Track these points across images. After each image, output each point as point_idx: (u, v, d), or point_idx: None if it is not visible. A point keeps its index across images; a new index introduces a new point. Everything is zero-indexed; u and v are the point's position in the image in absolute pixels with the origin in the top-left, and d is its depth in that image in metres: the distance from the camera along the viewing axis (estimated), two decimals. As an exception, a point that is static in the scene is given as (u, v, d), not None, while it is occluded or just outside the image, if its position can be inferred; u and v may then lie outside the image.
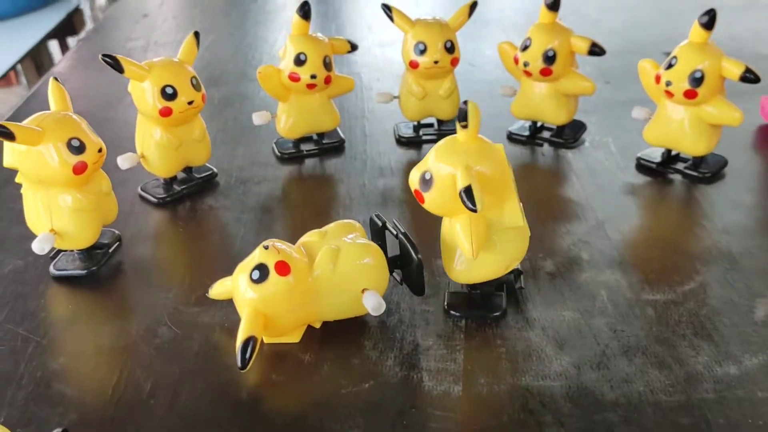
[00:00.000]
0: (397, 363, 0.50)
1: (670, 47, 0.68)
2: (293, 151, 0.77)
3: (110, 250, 0.61)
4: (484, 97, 0.90)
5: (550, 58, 0.71)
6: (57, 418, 0.46)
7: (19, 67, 1.92)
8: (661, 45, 1.01)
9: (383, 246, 0.53)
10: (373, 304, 0.49)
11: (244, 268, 0.49)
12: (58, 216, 0.57)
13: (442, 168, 0.47)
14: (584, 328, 0.52)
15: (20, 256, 0.62)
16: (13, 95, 2.55)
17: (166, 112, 0.64)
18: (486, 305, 0.54)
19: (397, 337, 0.52)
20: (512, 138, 0.80)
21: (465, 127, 0.47)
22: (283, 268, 0.47)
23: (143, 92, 0.64)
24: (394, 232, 0.52)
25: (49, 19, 1.93)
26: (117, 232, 0.63)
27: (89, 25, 2.15)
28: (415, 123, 0.80)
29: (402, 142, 0.80)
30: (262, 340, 0.48)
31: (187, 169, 0.71)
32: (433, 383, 0.48)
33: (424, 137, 0.80)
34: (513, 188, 0.50)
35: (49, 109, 0.57)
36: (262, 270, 0.47)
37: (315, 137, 0.78)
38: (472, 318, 0.53)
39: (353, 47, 0.74)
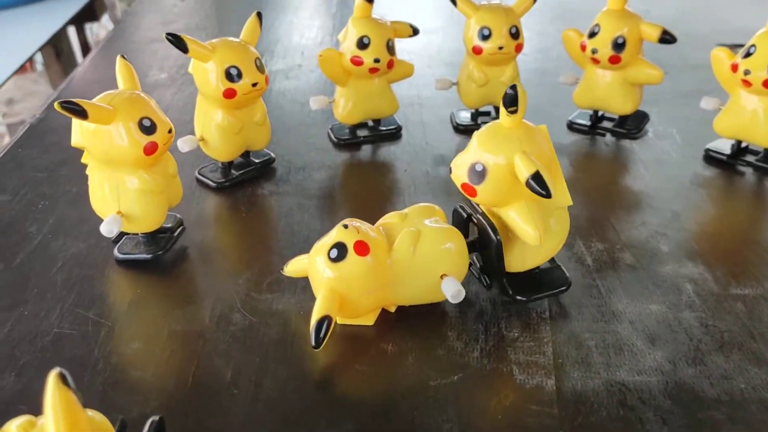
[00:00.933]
0: (485, 355, 0.48)
1: (722, 38, 0.66)
2: (349, 137, 0.76)
3: (175, 234, 0.59)
4: (541, 85, 0.88)
5: (619, 45, 0.69)
6: (137, 406, 0.44)
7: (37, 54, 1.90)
8: (713, 36, 0.99)
9: (465, 235, 0.51)
10: (452, 291, 0.47)
11: (321, 247, 0.47)
12: (126, 198, 0.55)
13: (495, 157, 0.45)
14: (673, 323, 0.50)
15: (81, 239, 0.60)
16: (28, 81, 2.54)
17: (229, 94, 0.62)
18: (550, 282, 0.53)
19: (480, 328, 0.50)
20: (573, 127, 0.78)
21: (514, 112, 0.45)
22: (362, 247, 0.46)
23: (206, 73, 0.62)
24: (469, 212, 0.51)
25: (70, 4, 1.91)
26: (179, 216, 0.62)
27: (117, 10, 2.13)
28: (473, 110, 0.78)
29: (459, 129, 0.78)
30: (335, 321, 0.47)
31: (245, 154, 0.70)
32: (524, 377, 0.46)
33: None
34: (559, 168, 0.48)
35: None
36: (341, 249, 0.46)
37: (371, 123, 0.76)
38: (541, 300, 0.52)
39: (415, 31, 0.72)
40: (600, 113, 0.77)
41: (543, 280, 0.53)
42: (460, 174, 0.47)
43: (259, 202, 0.66)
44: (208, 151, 0.67)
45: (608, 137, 0.76)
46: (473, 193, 0.47)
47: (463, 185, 0.47)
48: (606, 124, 0.77)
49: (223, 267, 0.57)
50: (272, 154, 0.72)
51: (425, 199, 0.65)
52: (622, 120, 0.76)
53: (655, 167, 0.70)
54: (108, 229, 0.54)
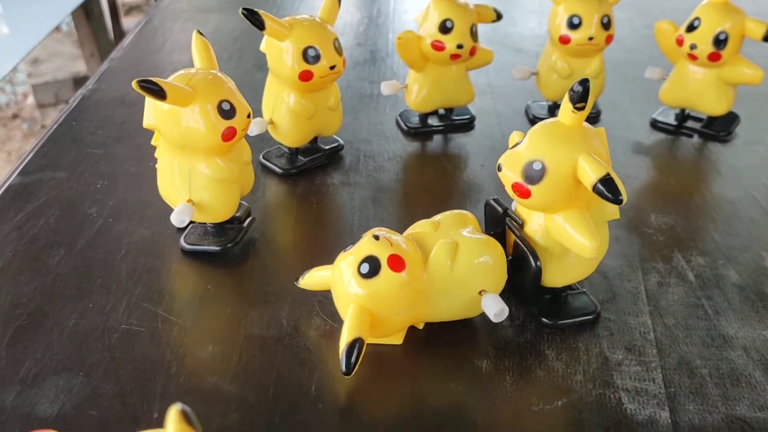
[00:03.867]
0: (588, 379, 0.44)
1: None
2: (420, 125, 0.71)
3: (245, 225, 0.56)
4: (618, 79, 0.83)
5: (720, 42, 0.64)
6: (218, 417, 0.41)
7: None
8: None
9: (501, 237, 0.48)
10: (495, 310, 0.43)
11: (349, 261, 0.43)
12: (198, 185, 0.51)
13: (557, 157, 0.41)
14: (793, 352, 0.46)
15: (144, 224, 0.57)
16: (53, 41, 2.50)
17: (306, 77, 0.58)
18: (578, 308, 0.49)
19: (581, 348, 0.46)
20: (657, 126, 0.73)
21: (581, 109, 0.41)
22: (397, 262, 0.41)
23: (281, 53, 0.58)
24: (514, 229, 0.47)
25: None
26: (246, 205, 0.58)
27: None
28: (551, 103, 0.74)
29: (536, 122, 0.73)
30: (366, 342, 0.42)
31: (313, 140, 0.65)
32: (635, 406, 0.42)
33: (562, 120, 0.73)
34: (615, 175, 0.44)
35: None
36: (373, 264, 0.41)
37: (441, 112, 0.72)
38: (568, 326, 0.48)
39: (499, 16, 0.68)
40: (686, 112, 0.72)
41: (572, 305, 0.49)
42: (511, 173, 0.43)
43: (330, 193, 0.62)
44: (277, 136, 0.63)
45: (695, 138, 0.71)
46: (526, 195, 0.42)
47: (515, 185, 0.43)
48: (691, 124, 0.72)
49: (297, 263, 0.53)
50: (341, 141, 0.68)
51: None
52: (711, 121, 0.71)
53: (752, 174, 0.65)
54: (179, 219, 0.50)
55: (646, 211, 0.60)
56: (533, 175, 0.42)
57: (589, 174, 0.40)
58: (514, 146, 0.43)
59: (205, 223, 0.55)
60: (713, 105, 0.68)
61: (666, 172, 0.67)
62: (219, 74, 0.50)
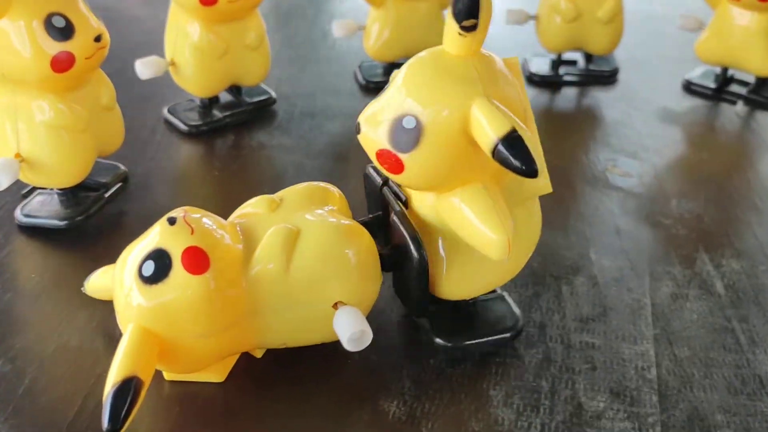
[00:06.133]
0: (549, 437, 0.29)
1: None
2: (383, 79, 0.57)
3: (107, 194, 0.42)
4: (646, 31, 0.68)
5: (776, -26, 0.48)
6: None
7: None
8: None
9: (385, 220, 0.33)
10: (350, 333, 0.28)
11: (132, 256, 0.29)
12: (30, 134, 0.38)
13: (437, 107, 0.27)
14: None
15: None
16: None
17: (208, 0, 0.44)
18: (492, 321, 0.34)
19: (544, 388, 0.31)
20: (691, 89, 0.59)
21: (471, 29, 0.26)
22: (195, 259, 0.28)
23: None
24: (393, 205, 0.32)
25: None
26: (123, 167, 0.45)
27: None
28: (555, 56, 0.58)
29: (535, 81, 0.59)
30: (147, 383, 0.27)
31: (235, 90, 0.53)
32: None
33: (566, 78, 0.58)
34: (535, 129, 0.31)
35: None
36: (161, 261, 0.28)
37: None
38: (479, 348, 0.33)
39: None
40: (730, 73, 0.56)
41: (482, 316, 0.34)
42: (376, 134, 0.28)
43: (243, 157, 0.48)
44: (180, 81, 0.50)
45: (739, 106, 0.56)
46: (397, 168, 0.28)
47: (381, 153, 0.28)
48: (735, 88, 0.57)
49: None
50: (273, 94, 0.54)
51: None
52: (760, 84, 0.55)
53: (811, 152, 0.49)
54: None
55: (664, 194, 0.45)
56: (404, 138, 0.27)
57: (487, 130, 0.26)
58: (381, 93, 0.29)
59: (53, 189, 0.40)
60: (763, 62, 0.53)
61: (698, 145, 0.52)
62: (53, -23, 0.36)
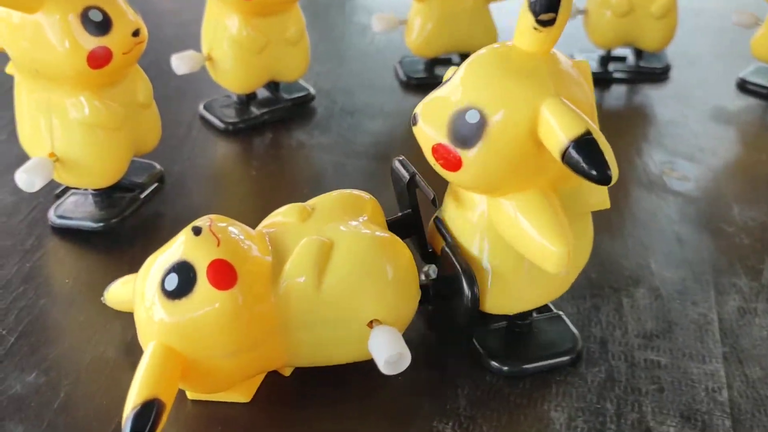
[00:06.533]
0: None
1: None
2: (424, 76, 0.56)
3: (142, 195, 0.41)
4: (698, 27, 0.66)
5: None
6: None
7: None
8: None
9: (415, 220, 0.32)
10: (387, 355, 0.26)
11: (155, 268, 0.27)
12: (64, 133, 0.37)
13: (504, 102, 0.25)
14: None
15: (11, 189, 0.41)
16: None
17: (248, -8, 0.42)
18: (550, 342, 0.32)
19: (609, 410, 0.29)
20: (746, 88, 0.57)
21: (549, 23, 0.24)
22: (222, 273, 0.26)
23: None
24: (413, 172, 0.31)
25: None
26: (159, 167, 0.43)
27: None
28: (604, 53, 0.56)
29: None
30: (169, 406, 0.25)
31: (273, 86, 0.51)
32: None
33: (615, 75, 0.56)
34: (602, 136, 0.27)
35: None
36: (185, 274, 0.26)
37: (456, 59, 0.57)
38: (535, 371, 0.31)
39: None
40: (789, 71, 0.54)
41: (538, 337, 0.32)
42: (431, 128, 0.26)
43: (281, 157, 0.47)
44: (217, 77, 0.49)
45: (799, 106, 0.53)
46: (455, 164, 0.26)
47: (437, 148, 0.26)
48: None
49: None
50: (311, 90, 0.52)
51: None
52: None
53: None
54: (27, 180, 0.35)
55: (725, 201, 0.43)
56: (466, 133, 0.25)
57: (557, 132, 0.24)
58: (442, 85, 0.27)
59: (87, 190, 0.39)
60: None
61: (755, 146, 0.50)
62: (89, -32, 0.35)
